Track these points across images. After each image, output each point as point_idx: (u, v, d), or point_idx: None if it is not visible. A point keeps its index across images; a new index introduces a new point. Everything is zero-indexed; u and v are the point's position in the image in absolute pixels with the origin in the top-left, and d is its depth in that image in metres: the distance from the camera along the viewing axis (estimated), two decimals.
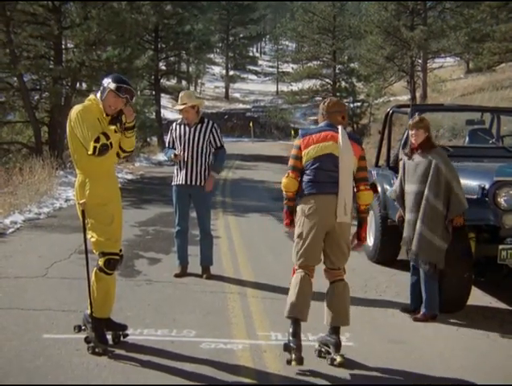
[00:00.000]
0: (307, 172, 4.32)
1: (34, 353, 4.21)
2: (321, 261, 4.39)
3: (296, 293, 4.20)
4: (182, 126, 6.34)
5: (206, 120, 6.41)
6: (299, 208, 4.35)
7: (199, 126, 6.32)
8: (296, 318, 4.19)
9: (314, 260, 4.34)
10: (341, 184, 4.25)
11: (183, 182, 6.28)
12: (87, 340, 4.29)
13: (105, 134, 4.15)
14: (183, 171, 6.28)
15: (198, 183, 6.30)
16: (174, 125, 6.47)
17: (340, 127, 4.36)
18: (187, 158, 6.25)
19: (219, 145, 6.41)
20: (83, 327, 4.42)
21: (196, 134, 6.28)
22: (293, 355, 4.05)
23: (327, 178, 4.26)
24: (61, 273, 6.30)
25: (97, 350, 4.23)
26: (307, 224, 4.26)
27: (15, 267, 6.52)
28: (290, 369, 4.07)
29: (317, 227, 4.24)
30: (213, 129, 6.37)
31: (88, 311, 4.34)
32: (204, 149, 6.31)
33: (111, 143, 4.17)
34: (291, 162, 4.45)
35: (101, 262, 4.30)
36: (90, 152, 4.13)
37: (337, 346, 4.22)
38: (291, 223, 4.53)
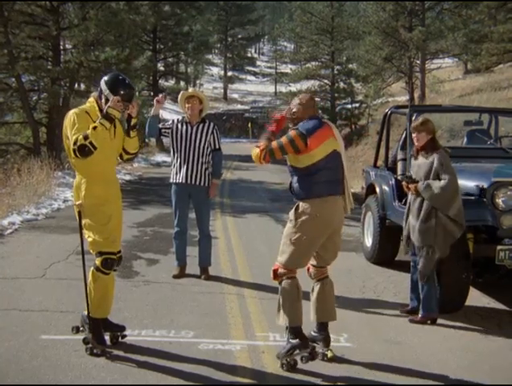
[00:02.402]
0: (319, 172, 4.17)
1: (32, 354, 4.20)
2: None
3: (296, 304, 4.16)
4: (184, 125, 6.30)
5: (207, 120, 6.41)
6: (306, 210, 4.16)
7: (201, 126, 6.31)
8: (300, 325, 4.19)
9: (306, 264, 4.36)
10: (346, 179, 4.31)
11: (184, 181, 6.26)
12: (85, 341, 4.29)
13: (85, 135, 4.05)
14: (184, 170, 6.25)
15: (198, 183, 6.28)
16: (175, 120, 6.41)
17: (329, 122, 4.39)
18: (188, 156, 6.23)
19: (217, 147, 6.41)
20: (81, 328, 4.42)
21: (198, 134, 6.27)
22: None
23: (333, 176, 4.24)
24: (59, 274, 6.30)
25: (95, 351, 4.22)
26: (315, 228, 4.16)
27: (13, 268, 6.52)
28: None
29: (324, 231, 4.20)
30: (214, 131, 6.37)
31: (86, 312, 4.34)
32: (205, 150, 6.30)
33: (91, 143, 4.04)
34: (286, 145, 4.18)
35: (98, 262, 4.29)
36: (72, 156, 4.12)
37: (327, 341, 4.28)
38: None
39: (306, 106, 4.34)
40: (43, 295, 5.57)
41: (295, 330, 4.15)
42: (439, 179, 5.01)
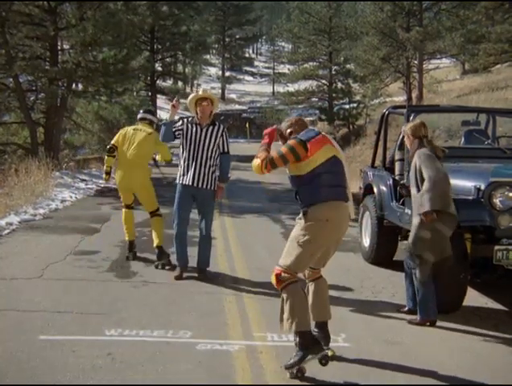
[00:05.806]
0: (321, 177, 4.11)
1: (30, 354, 4.20)
2: None
3: (305, 307, 4.08)
4: (194, 126, 6.22)
5: (217, 123, 6.36)
6: (316, 215, 4.07)
7: (210, 128, 6.24)
8: (310, 330, 4.09)
9: (305, 269, 4.33)
10: (348, 187, 4.32)
11: (190, 183, 6.20)
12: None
13: None
14: (191, 171, 6.18)
15: (205, 186, 6.21)
16: (185, 120, 6.31)
17: (324, 134, 4.36)
18: (196, 158, 6.18)
19: (226, 150, 6.35)
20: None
21: (208, 136, 6.20)
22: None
23: (335, 181, 4.19)
24: (57, 275, 6.29)
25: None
26: (324, 233, 4.09)
27: (11, 268, 6.50)
28: (286, 370, 4.05)
29: (332, 237, 4.18)
30: (224, 134, 6.31)
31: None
32: (214, 152, 6.24)
33: None
34: (286, 154, 4.10)
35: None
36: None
37: (327, 340, 4.27)
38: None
39: (299, 124, 4.36)
40: (41, 295, 5.56)
41: (305, 335, 4.02)
42: (415, 176, 5.06)
